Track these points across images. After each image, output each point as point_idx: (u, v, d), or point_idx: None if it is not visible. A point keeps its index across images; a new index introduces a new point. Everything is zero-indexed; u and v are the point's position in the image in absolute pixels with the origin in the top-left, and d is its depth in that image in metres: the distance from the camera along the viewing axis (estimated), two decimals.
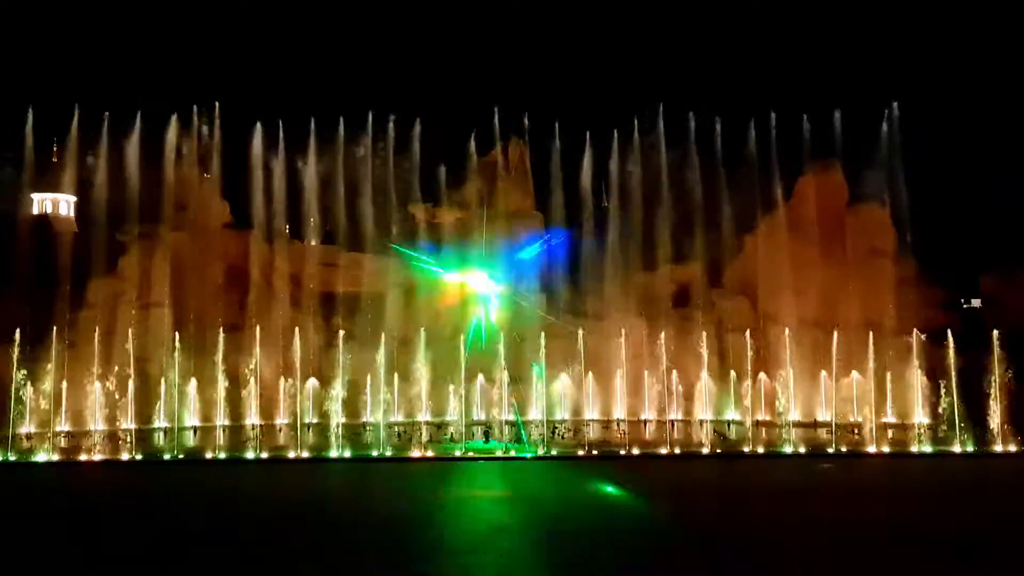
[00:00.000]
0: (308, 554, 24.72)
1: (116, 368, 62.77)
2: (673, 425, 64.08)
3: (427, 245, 76.16)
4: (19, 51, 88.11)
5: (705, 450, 60.57)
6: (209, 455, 58.83)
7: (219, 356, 61.46)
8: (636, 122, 73.65)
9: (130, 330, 62.34)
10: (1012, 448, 58.69)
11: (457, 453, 59.17)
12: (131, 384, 61.44)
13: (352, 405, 63.28)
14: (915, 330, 63.01)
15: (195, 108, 71.35)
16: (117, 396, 62.34)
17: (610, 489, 41.46)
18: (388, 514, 33.41)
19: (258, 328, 63.30)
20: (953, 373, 61.58)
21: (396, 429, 63.57)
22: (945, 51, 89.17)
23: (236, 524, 31.28)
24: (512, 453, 58.30)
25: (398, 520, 31.93)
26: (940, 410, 61.99)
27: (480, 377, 66.30)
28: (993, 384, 60.10)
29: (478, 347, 68.42)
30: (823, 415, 65.38)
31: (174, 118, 70.64)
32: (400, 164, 74.78)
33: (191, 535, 28.98)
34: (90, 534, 29.43)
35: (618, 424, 64.75)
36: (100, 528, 30.67)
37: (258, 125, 71.99)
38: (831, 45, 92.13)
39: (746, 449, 60.28)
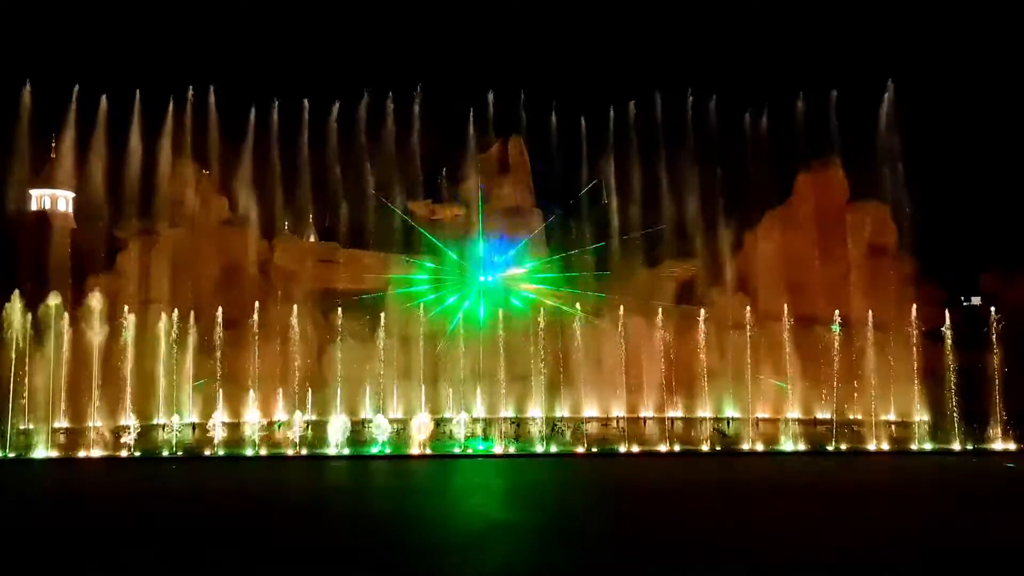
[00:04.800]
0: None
1: (114, 364, 62.48)
2: (672, 422, 63.99)
3: (427, 242, 75.80)
4: (15, 50, 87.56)
5: (704, 447, 60.52)
6: (208, 452, 58.76)
7: (218, 353, 61.35)
8: (634, 115, 73.50)
9: (127, 326, 61.97)
10: (1011, 446, 58.73)
11: (456, 451, 59.11)
12: (129, 380, 61.23)
13: (351, 402, 63.23)
14: (914, 328, 62.92)
15: (190, 98, 70.92)
16: (116, 392, 62.04)
17: None
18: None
19: (256, 325, 63.13)
20: (952, 371, 61.57)
21: (395, 426, 63.38)
22: (945, 50, 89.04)
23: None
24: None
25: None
26: (939, 408, 61.98)
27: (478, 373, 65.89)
28: (992, 382, 60.13)
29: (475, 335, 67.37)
30: (823, 412, 65.28)
31: (171, 115, 70.34)
32: (399, 160, 74.43)
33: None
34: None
35: (617, 421, 64.59)
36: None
37: (254, 123, 71.77)
38: (831, 45, 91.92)
39: (745, 446, 60.26)
